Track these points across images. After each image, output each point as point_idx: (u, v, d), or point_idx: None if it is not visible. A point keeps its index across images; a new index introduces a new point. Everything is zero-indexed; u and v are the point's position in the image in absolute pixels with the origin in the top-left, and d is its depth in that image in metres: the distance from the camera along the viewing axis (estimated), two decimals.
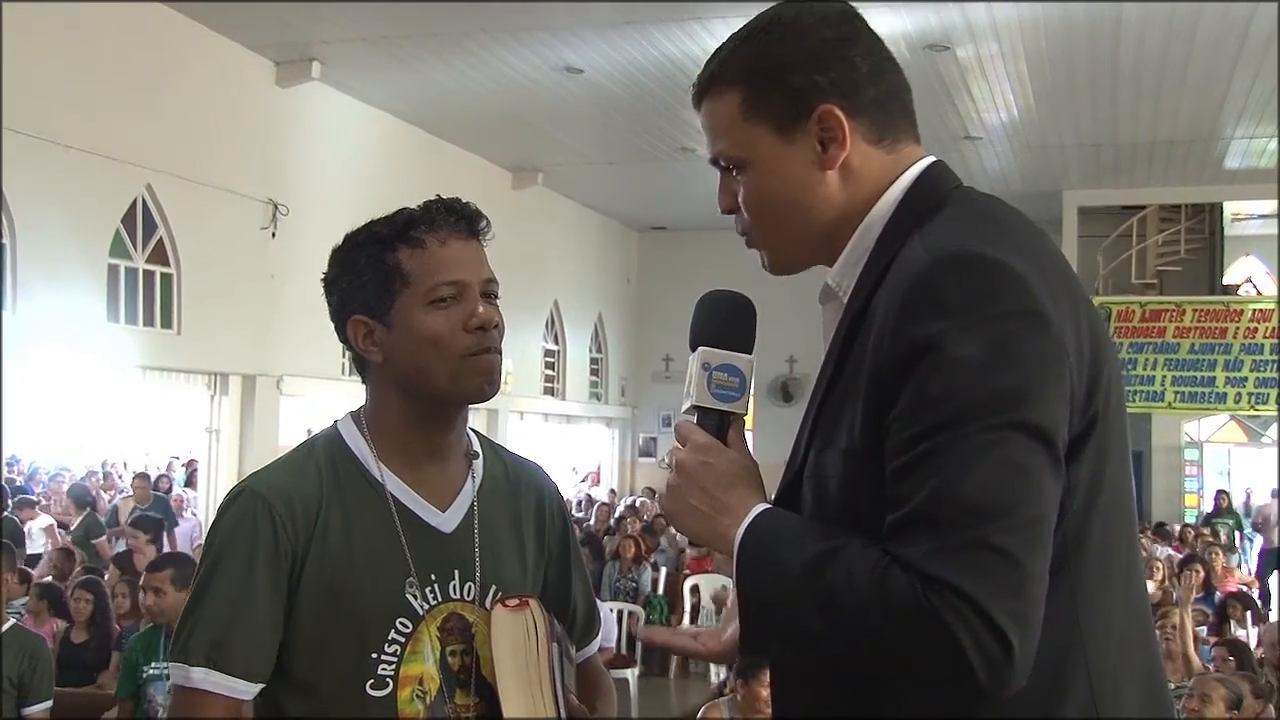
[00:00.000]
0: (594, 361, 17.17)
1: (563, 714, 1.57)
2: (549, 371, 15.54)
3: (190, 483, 11.77)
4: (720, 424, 1.35)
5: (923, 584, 1.08)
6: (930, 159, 1.34)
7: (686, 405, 1.38)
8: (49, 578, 7.48)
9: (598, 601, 2.01)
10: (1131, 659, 1.24)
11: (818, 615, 1.15)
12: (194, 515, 10.00)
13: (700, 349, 1.37)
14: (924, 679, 1.14)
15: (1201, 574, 8.62)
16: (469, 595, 1.65)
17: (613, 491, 16.69)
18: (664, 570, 10.41)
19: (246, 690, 1.57)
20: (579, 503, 14.82)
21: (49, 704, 4.62)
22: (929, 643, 1.08)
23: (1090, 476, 1.20)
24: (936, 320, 1.13)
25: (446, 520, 1.68)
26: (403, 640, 1.60)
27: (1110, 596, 1.23)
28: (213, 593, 1.56)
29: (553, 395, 15.62)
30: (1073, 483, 1.17)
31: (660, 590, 10.07)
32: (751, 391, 1.39)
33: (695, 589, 9.94)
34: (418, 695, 1.60)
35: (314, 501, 1.60)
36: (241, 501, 1.59)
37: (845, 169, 1.30)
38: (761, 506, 1.27)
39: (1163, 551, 10.44)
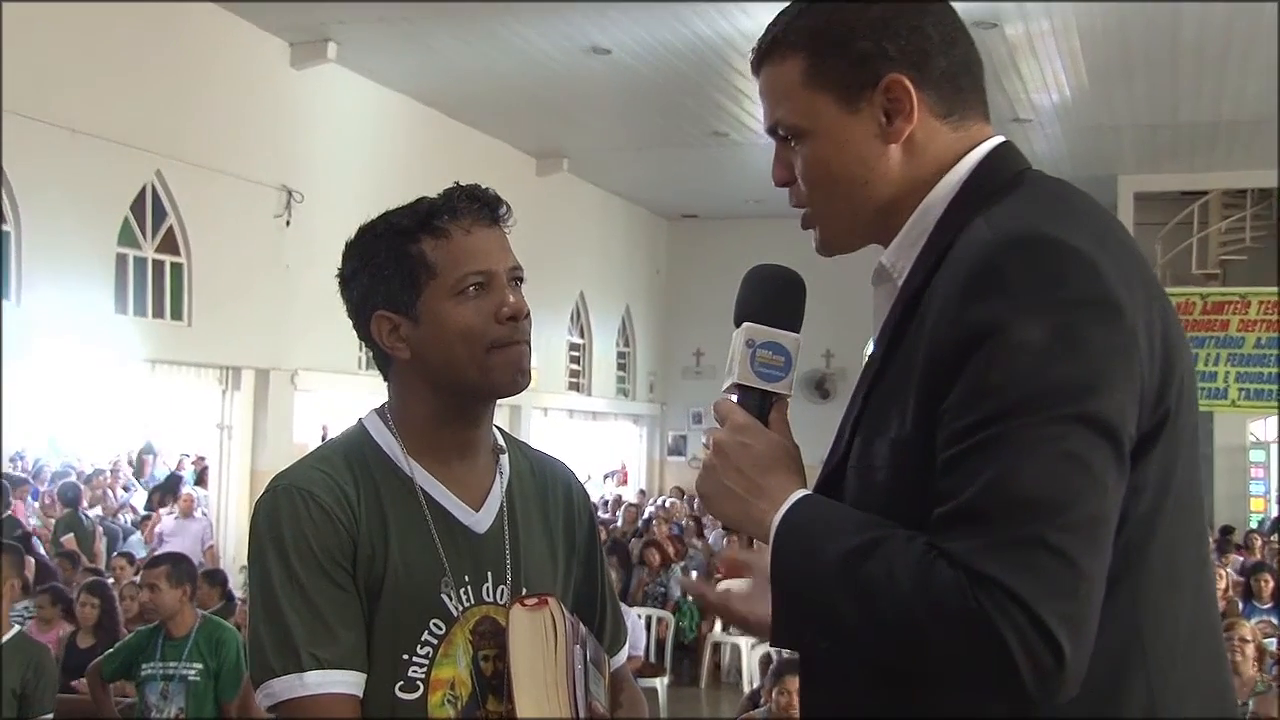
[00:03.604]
0: (621, 356, 17.19)
1: None
2: (574, 366, 15.58)
3: (200, 481, 11.87)
4: (762, 405, 1.36)
5: (971, 582, 1.07)
6: (999, 139, 1.33)
7: (728, 383, 1.38)
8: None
9: (625, 607, 2.02)
10: (1197, 677, 1.22)
11: (856, 609, 1.15)
12: (204, 515, 10.08)
13: (745, 324, 1.37)
14: (968, 681, 1.14)
15: (1271, 583, 8.53)
16: (501, 598, 1.67)
17: (641, 492, 16.72)
18: (695, 575, 10.40)
19: (360, 684, 1.57)
20: (605, 504, 14.85)
21: (50, 716, 4.71)
22: (975, 644, 1.07)
23: (1158, 478, 1.18)
24: (1000, 304, 1.12)
25: (480, 520, 1.69)
26: (435, 643, 1.62)
27: (1177, 609, 1.21)
28: (293, 595, 1.56)
29: (578, 391, 15.65)
30: (1139, 484, 1.16)
31: (690, 596, 10.07)
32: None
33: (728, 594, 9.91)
34: (449, 700, 1.61)
35: (351, 497, 1.62)
36: (289, 499, 1.59)
37: (909, 144, 1.30)
38: (801, 492, 1.27)
39: (1228, 558, 10.34)
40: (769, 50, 1.35)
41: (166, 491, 11.46)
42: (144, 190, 8.72)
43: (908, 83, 1.28)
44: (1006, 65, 10.14)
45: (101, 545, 9.88)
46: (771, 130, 1.37)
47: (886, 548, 1.14)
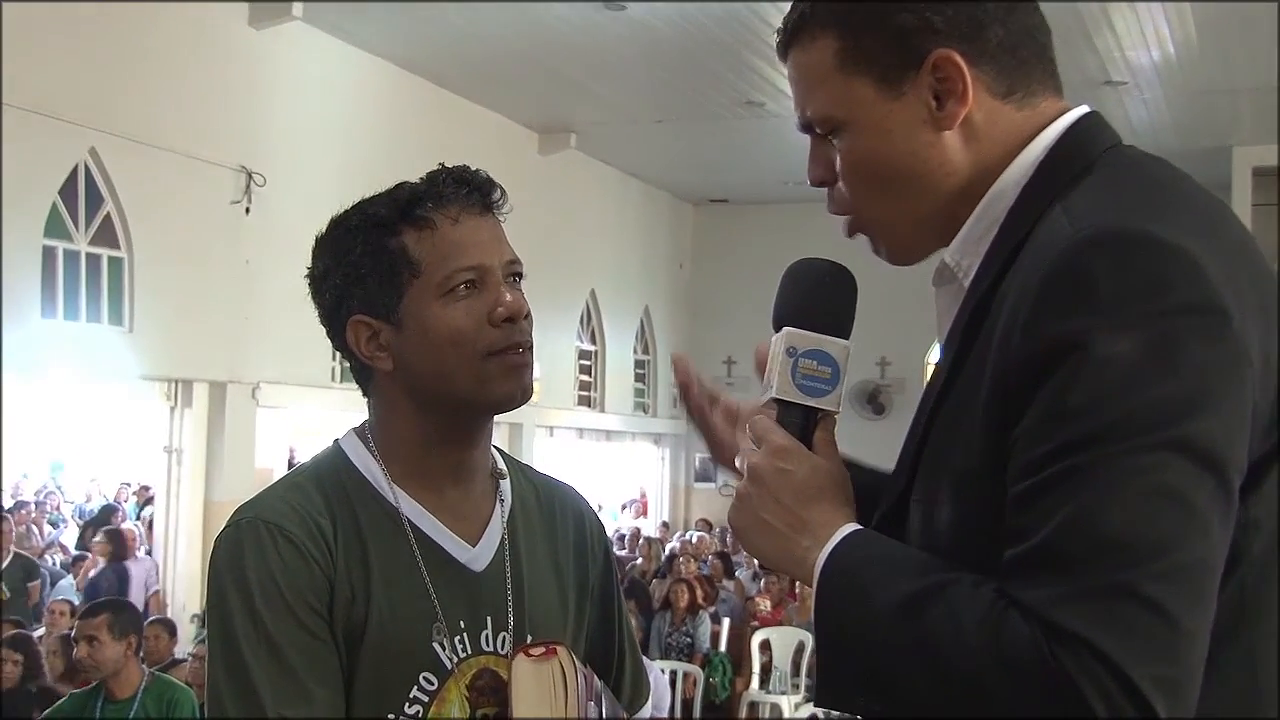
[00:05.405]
0: (639, 365, 17.21)
1: None
2: (584, 378, 15.59)
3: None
4: (805, 423, 1.37)
5: (1048, 636, 1.07)
6: (1081, 110, 1.34)
7: (765, 398, 1.39)
8: None
9: (646, 660, 2.03)
10: None
11: (915, 666, 1.16)
12: (149, 555, 10.12)
13: (785, 329, 1.39)
14: None
15: None
16: (503, 647, 1.69)
17: (664, 524, 16.71)
18: (726, 622, 10.41)
19: None
20: (621, 538, 14.86)
21: None
22: (1053, 708, 1.08)
23: (1279, 509, 1.18)
24: (1085, 314, 1.13)
25: (477, 557, 1.71)
26: (426, 700, 1.64)
27: None
28: (259, 646, 1.57)
29: (589, 407, 15.67)
30: (1255, 518, 1.16)
31: (722, 646, 10.08)
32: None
33: (766, 645, 9.95)
34: None
35: (327, 532, 1.64)
36: (254, 534, 1.61)
37: (967, 128, 1.31)
38: (850, 527, 1.28)
39: None
40: (796, 31, 1.36)
41: (100, 526, 11.49)
42: (75, 171, 8.75)
43: (958, 59, 1.29)
44: (1098, 20, 10.10)
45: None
46: (806, 126, 1.38)
47: (950, 595, 1.15)
